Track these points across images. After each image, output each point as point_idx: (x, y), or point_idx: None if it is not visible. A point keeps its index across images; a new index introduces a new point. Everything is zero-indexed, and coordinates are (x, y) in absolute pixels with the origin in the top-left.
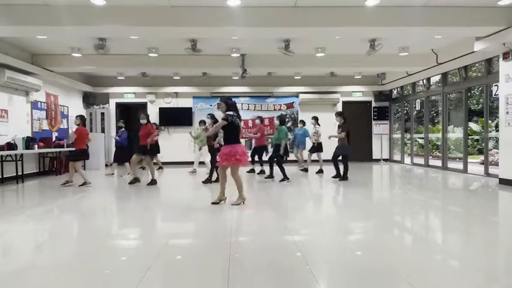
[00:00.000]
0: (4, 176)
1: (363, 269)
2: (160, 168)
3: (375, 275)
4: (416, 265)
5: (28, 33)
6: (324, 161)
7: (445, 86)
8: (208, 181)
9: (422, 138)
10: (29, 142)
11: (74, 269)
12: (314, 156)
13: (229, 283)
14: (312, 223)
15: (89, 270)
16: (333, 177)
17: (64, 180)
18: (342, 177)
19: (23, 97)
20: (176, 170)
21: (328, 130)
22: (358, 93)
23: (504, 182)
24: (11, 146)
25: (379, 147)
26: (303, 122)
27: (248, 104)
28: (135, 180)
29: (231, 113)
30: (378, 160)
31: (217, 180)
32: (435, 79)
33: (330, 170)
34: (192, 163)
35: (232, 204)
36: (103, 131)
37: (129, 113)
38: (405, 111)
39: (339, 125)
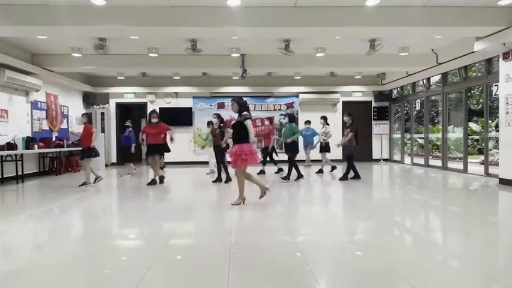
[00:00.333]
0: (4, 176)
1: (363, 269)
2: (161, 168)
3: (375, 275)
4: (417, 265)
5: (28, 33)
6: (332, 160)
7: (445, 86)
8: (218, 180)
9: (422, 138)
10: (29, 142)
11: (74, 269)
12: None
13: (229, 283)
14: (312, 223)
15: (89, 270)
16: (352, 178)
17: (82, 182)
18: (342, 176)
19: (23, 97)
20: (177, 170)
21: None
22: (358, 93)
23: (504, 182)
24: (11, 146)
25: (379, 147)
26: (309, 122)
27: (248, 104)
28: (162, 179)
29: (245, 113)
30: (377, 160)
31: (227, 181)
32: (435, 79)
33: (338, 171)
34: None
35: (232, 204)
36: (103, 131)
37: (129, 113)
38: (405, 111)
39: (347, 125)
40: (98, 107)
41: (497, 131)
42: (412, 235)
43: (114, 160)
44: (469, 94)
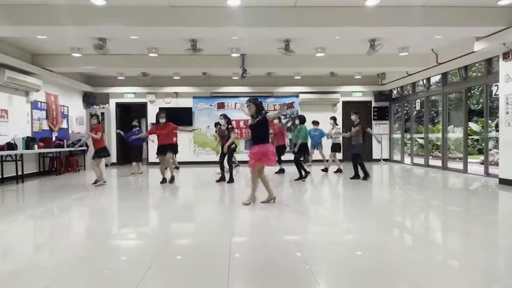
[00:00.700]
0: (4, 176)
1: (363, 269)
2: (176, 168)
3: (375, 275)
4: (417, 265)
5: (28, 33)
6: (341, 161)
7: (445, 86)
8: (222, 179)
9: (422, 138)
10: (29, 142)
11: (74, 269)
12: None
13: (229, 283)
14: (312, 223)
15: (89, 270)
16: (363, 178)
17: (94, 180)
18: (364, 176)
19: (23, 97)
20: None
21: (328, 130)
22: (358, 93)
23: (504, 182)
24: (11, 146)
25: (379, 147)
26: (317, 123)
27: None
28: (172, 179)
29: (265, 111)
30: (377, 160)
31: (230, 181)
32: (435, 79)
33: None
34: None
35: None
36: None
37: (129, 113)
38: (405, 111)
39: (354, 124)
40: (98, 107)
41: (497, 131)
42: (412, 235)
43: (115, 160)
44: (469, 94)
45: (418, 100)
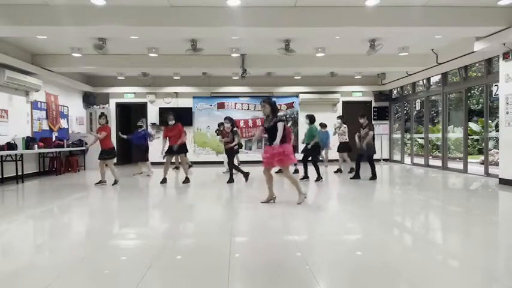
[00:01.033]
0: (4, 176)
1: (363, 269)
2: (176, 168)
3: (376, 275)
4: (417, 265)
5: (28, 33)
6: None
7: (445, 86)
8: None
9: (422, 138)
10: (29, 142)
11: (74, 269)
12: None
13: (229, 283)
14: (312, 223)
15: (89, 270)
16: (352, 178)
17: (98, 180)
18: (372, 176)
19: (23, 97)
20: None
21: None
22: (358, 93)
23: (504, 182)
24: (11, 146)
25: (379, 147)
26: (325, 125)
27: (248, 104)
28: (187, 180)
29: (281, 113)
30: (377, 160)
31: (230, 181)
32: (435, 79)
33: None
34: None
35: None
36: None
37: (129, 113)
38: (405, 111)
39: (363, 126)
40: (98, 107)
41: (497, 131)
42: (413, 235)
43: (115, 160)
44: (469, 94)
45: (418, 100)
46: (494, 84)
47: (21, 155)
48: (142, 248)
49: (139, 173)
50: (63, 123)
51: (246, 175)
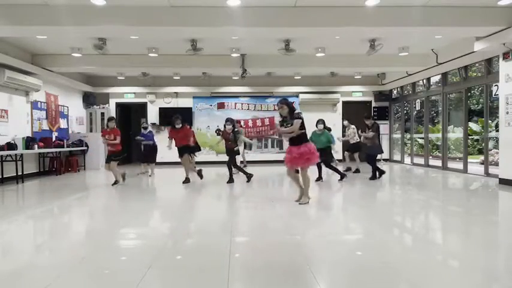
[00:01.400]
0: (4, 176)
1: (363, 269)
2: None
3: (376, 275)
4: (417, 265)
5: (28, 33)
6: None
7: (445, 86)
8: (231, 181)
9: (422, 138)
10: (29, 142)
11: (74, 269)
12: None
13: (229, 283)
14: (313, 222)
15: (89, 270)
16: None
17: (114, 181)
18: (377, 176)
19: (23, 97)
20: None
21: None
22: (358, 93)
23: (504, 182)
24: (11, 146)
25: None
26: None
27: (248, 104)
28: (187, 180)
29: (298, 111)
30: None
31: (229, 181)
32: (435, 79)
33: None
34: None
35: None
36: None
37: (129, 113)
38: (405, 111)
39: (368, 126)
40: (98, 107)
41: (497, 131)
42: (413, 235)
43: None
44: (469, 94)
45: (418, 100)
46: (494, 84)
47: (21, 155)
48: (142, 248)
49: (142, 173)
50: (62, 123)
51: (250, 176)
